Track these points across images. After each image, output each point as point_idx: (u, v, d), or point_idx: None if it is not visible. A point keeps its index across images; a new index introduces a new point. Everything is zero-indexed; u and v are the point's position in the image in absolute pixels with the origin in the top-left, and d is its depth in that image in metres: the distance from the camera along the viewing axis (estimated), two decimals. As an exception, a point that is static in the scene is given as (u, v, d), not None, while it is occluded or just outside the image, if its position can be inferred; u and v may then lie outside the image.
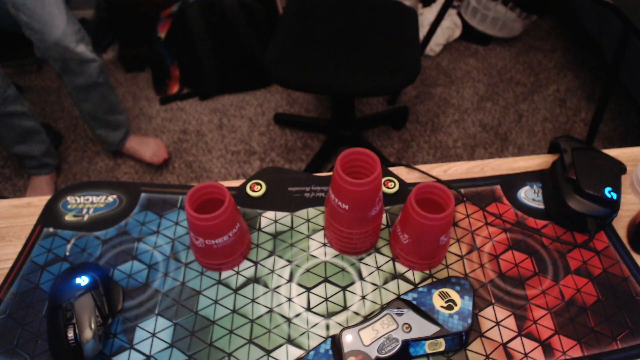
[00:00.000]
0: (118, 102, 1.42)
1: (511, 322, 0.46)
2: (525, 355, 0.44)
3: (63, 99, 1.74)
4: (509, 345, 0.45)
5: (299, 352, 0.44)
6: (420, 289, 0.45)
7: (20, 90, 1.73)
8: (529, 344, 0.45)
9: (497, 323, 0.46)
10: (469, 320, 0.43)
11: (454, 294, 0.45)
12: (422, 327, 0.42)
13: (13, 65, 1.84)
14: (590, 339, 0.45)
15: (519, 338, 0.45)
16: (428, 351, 0.43)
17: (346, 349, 0.41)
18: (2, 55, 1.86)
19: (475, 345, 0.45)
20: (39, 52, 1.19)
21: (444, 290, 0.45)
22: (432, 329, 0.42)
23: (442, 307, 0.44)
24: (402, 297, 0.45)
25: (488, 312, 0.47)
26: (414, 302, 0.44)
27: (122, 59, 1.84)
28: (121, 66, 1.85)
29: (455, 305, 0.44)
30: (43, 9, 1.10)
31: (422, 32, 1.64)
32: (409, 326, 0.42)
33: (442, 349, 0.43)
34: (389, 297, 0.48)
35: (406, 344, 0.42)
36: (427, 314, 0.43)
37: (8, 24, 1.67)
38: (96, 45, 1.90)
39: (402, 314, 0.43)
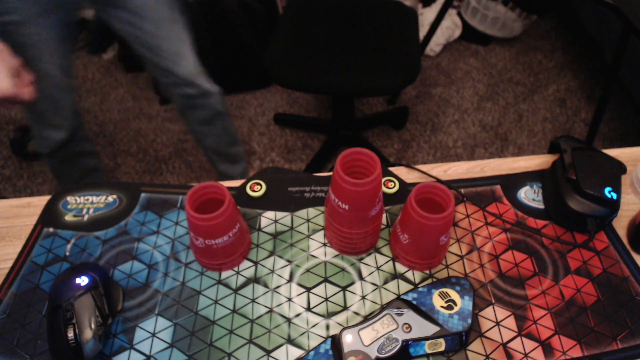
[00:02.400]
0: (236, 132, 1.34)
1: (511, 322, 0.46)
2: (525, 355, 0.44)
3: (63, 99, 1.73)
4: (509, 345, 0.45)
5: (299, 352, 0.44)
6: (420, 289, 0.45)
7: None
8: (529, 344, 0.45)
9: (497, 323, 0.46)
10: (469, 320, 0.43)
11: (454, 294, 0.45)
12: (422, 327, 0.42)
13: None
14: (590, 339, 0.45)
15: (519, 338, 0.45)
16: (428, 351, 0.43)
17: (346, 349, 0.41)
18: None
19: (475, 345, 0.45)
20: (165, 88, 1.14)
21: (444, 290, 0.45)
22: (432, 329, 0.42)
23: (442, 307, 0.44)
24: (402, 297, 0.45)
25: (488, 312, 0.47)
26: (414, 302, 0.44)
27: (122, 59, 1.84)
28: (121, 66, 1.85)
29: (455, 305, 0.44)
30: (176, 48, 1.06)
31: (422, 32, 1.64)
32: (409, 326, 0.42)
33: (442, 349, 0.43)
34: (389, 297, 0.48)
35: (406, 344, 0.42)
36: (427, 314, 0.43)
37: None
38: (96, 45, 1.90)
39: (402, 314, 0.43)
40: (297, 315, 0.47)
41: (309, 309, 0.47)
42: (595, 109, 1.38)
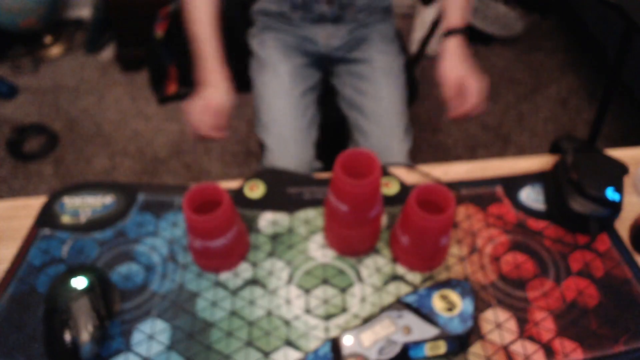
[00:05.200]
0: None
1: (512, 324, 0.46)
2: (526, 358, 0.44)
3: (59, 99, 1.73)
4: (510, 347, 0.44)
5: (297, 355, 0.44)
6: (421, 291, 0.45)
7: (16, 90, 1.73)
8: (530, 347, 0.44)
9: (498, 325, 0.46)
10: (470, 323, 0.43)
11: (454, 296, 0.44)
12: (422, 330, 0.42)
13: (9, 65, 1.83)
14: (592, 342, 0.45)
15: (520, 340, 0.45)
16: (428, 354, 0.43)
17: (346, 351, 0.41)
18: None
19: (476, 348, 0.44)
20: None
21: (445, 292, 0.45)
22: (432, 331, 0.42)
23: (442, 309, 0.43)
24: (402, 299, 0.44)
25: (489, 314, 0.47)
26: (414, 305, 0.44)
27: (119, 59, 1.83)
28: (119, 66, 1.85)
29: (456, 307, 0.44)
30: None
31: (422, 32, 1.64)
32: (409, 329, 0.42)
33: (442, 351, 0.43)
34: (388, 299, 0.47)
35: (406, 346, 0.41)
36: (427, 316, 0.43)
37: (6, 22, 1.66)
38: (93, 45, 1.90)
39: (402, 316, 0.43)
40: (296, 317, 0.46)
41: (308, 311, 0.47)
42: (598, 109, 1.38)
